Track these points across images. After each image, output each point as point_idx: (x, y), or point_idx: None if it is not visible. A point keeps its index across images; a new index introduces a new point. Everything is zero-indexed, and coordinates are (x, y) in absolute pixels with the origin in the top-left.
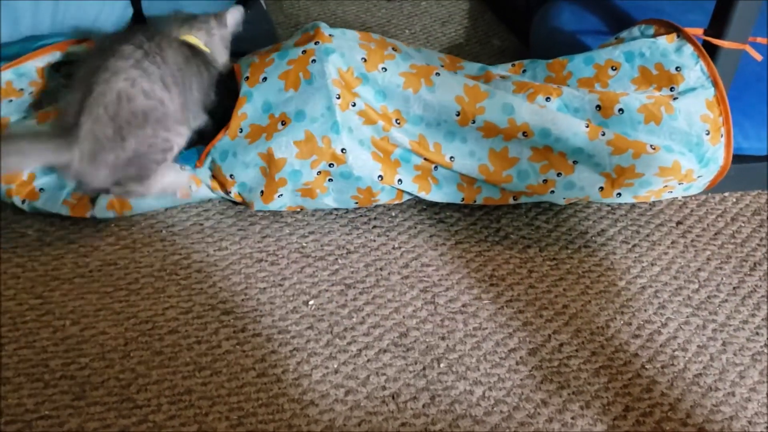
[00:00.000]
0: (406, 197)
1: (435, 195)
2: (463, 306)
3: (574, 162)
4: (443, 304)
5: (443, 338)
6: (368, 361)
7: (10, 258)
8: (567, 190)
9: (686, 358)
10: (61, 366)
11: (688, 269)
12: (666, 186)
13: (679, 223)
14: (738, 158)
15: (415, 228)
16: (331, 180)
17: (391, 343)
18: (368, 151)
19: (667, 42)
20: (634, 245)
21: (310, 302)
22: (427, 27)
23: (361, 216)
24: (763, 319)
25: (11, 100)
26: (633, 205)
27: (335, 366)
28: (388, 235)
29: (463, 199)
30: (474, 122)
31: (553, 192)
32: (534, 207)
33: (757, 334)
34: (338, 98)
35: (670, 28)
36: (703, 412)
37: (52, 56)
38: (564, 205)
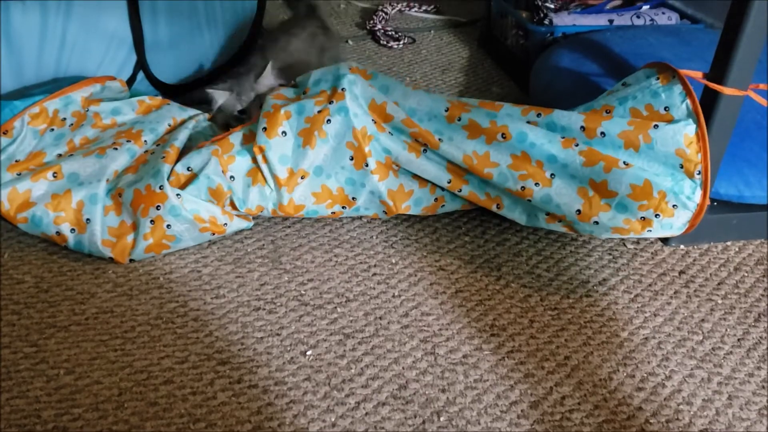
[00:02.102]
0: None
1: (423, 163)
2: (464, 357)
3: (552, 175)
4: (443, 355)
5: (443, 390)
6: (366, 414)
7: (6, 305)
8: (545, 203)
9: (691, 413)
10: (53, 417)
11: (691, 320)
12: (644, 219)
13: (681, 272)
14: (740, 207)
15: (416, 276)
16: (343, 215)
17: (390, 395)
18: (377, 199)
19: (660, 83)
20: (637, 295)
21: (308, 352)
22: (427, 74)
23: (360, 263)
24: None
25: (53, 129)
26: (635, 254)
27: (333, 419)
28: (387, 283)
29: (449, 182)
30: (460, 120)
31: (530, 201)
32: (535, 255)
33: (764, 387)
34: (351, 159)
35: (669, 71)
36: None
37: (93, 88)
38: (547, 228)
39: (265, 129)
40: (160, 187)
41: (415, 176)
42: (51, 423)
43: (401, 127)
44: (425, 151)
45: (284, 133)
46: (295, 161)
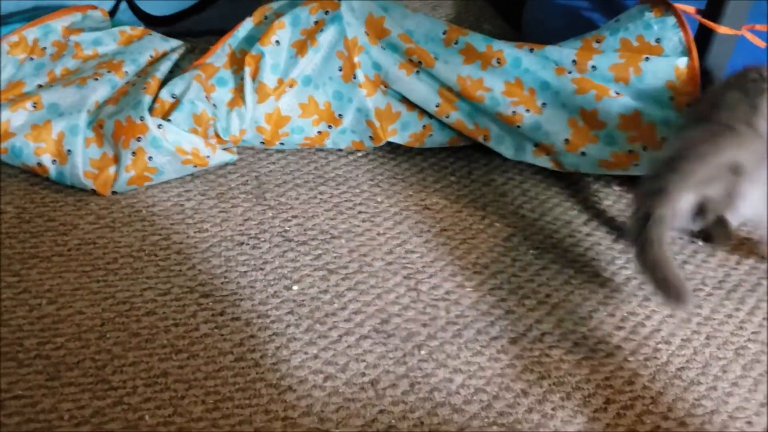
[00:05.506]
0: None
1: (413, 82)
2: (446, 293)
3: (543, 104)
4: (426, 291)
5: (425, 325)
6: (348, 347)
7: None
8: (534, 130)
9: (669, 352)
10: (36, 345)
11: None
12: (631, 152)
13: None
14: None
15: (401, 214)
16: (328, 140)
17: (372, 329)
18: (364, 119)
19: (653, 15)
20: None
21: (293, 287)
22: (416, 11)
23: (346, 201)
24: (747, 314)
25: (33, 59)
26: (620, 196)
27: (315, 351)
28: (372, 221)
29: (438, 105)
30: (457, 43)
31: (519, 127)
32: (520, 195)
33: (741, 328)
34: (340, 70)
35: (663, 4)
36: (685, 405)
37: (74, 17)
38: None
39: (258, 39)
40: (141, 119)
41: (404, 99)
42: (34, 351)
43: (396, 43)
44: (418, 72)
45: (278, 42)
46: (285, 71)
